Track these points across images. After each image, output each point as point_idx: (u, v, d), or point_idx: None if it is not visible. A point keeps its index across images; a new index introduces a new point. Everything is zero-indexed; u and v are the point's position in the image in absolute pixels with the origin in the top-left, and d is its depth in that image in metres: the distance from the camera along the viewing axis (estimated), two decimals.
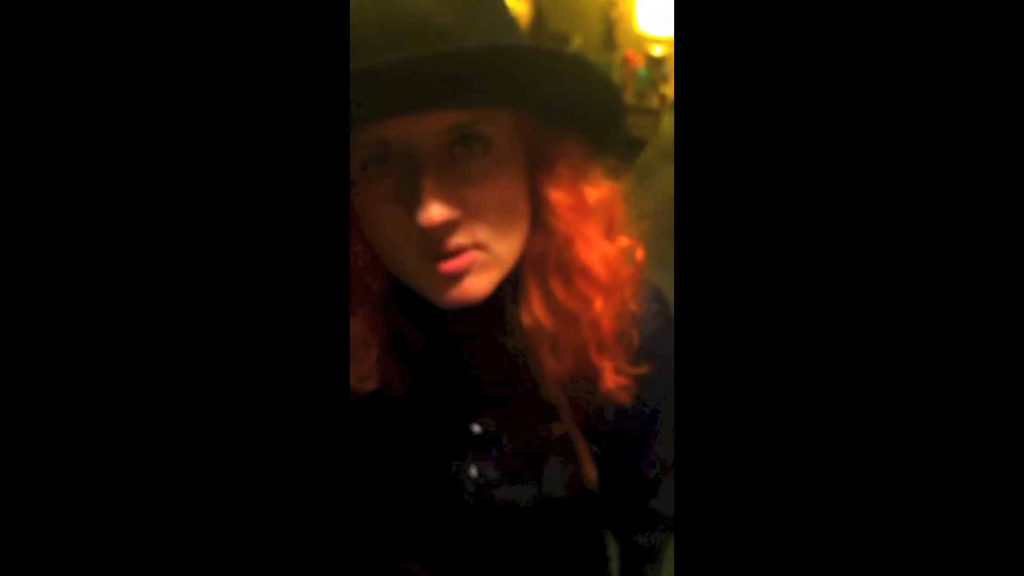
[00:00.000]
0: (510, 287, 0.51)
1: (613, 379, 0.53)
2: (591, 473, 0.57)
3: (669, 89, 2.84)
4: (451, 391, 0.56)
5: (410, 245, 0.46)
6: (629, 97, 2.90)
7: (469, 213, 0.45)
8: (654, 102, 2.83)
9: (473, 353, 0.54)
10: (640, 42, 2.87)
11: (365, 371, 0.53)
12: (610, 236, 0.53)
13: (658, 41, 2.83)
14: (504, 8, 0.47)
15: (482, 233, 0.46)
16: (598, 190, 0.52)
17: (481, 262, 0.47)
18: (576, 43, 3.01)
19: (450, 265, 0.45)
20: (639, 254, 0.55)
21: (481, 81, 0.41)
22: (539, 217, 0.50)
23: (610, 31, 2.93)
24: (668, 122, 1.96)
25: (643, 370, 0.54)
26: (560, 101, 0.46)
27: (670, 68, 2.85)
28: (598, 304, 0.52)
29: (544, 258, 0.51)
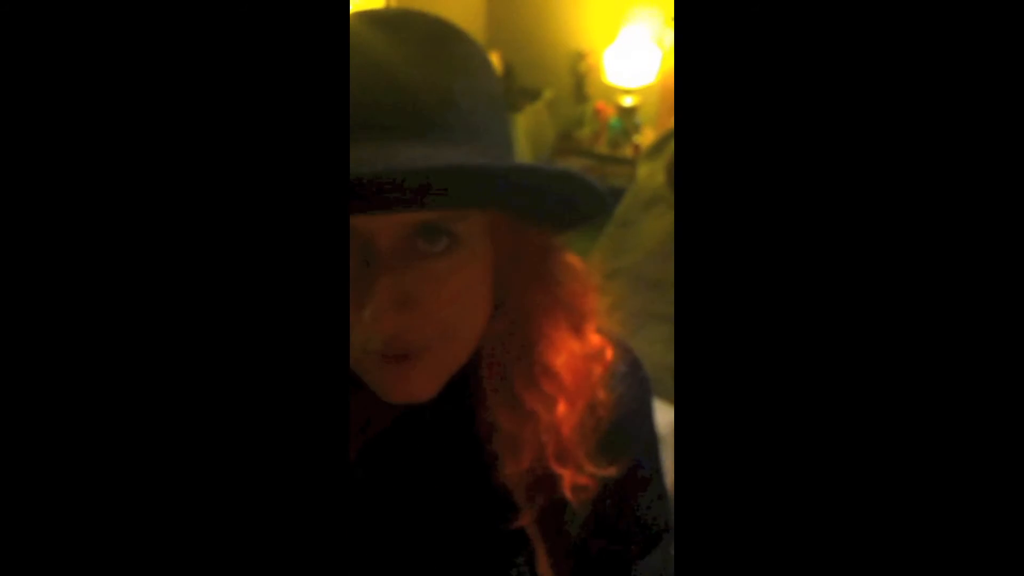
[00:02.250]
0: (466, 380, 0.48)
1: (571, 482, 0.49)
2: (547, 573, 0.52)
3: (642, 138, 2.86)
4: (404, 473, 0.52)
5: (358, 337, 0.42)
6: (603, 147, 2.93)
7: (423, 312, 0.42)
8: (628, 151, 2.86)
9: (426, 440, 0.51)
10: (610, 93, 2.90)
11: None
12: (579, 333, 0.50)
13: (628, 92, 2.87)
14: (490, 80, 0.44)
15: (434, 332, 0.43)
16: (568, 285, 0.49)
17: (428, 359, 0.43)
18: (547, 96, 3.05)
19: (394, 366, 0.42)
20: (608, 353, 0.51)
21: (456, 192, 0.39)
22: (503, 310, 0.47)
23: (580, 83, 2.97)
24: (643, 171, 1.95)
25: (609, 471, 0.50)
26: (540, 209, 0.44)
27: (642, 117, 2.89)
28: (560, 407, 0.48)
29: (504, 355, 0.48)
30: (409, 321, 0.41)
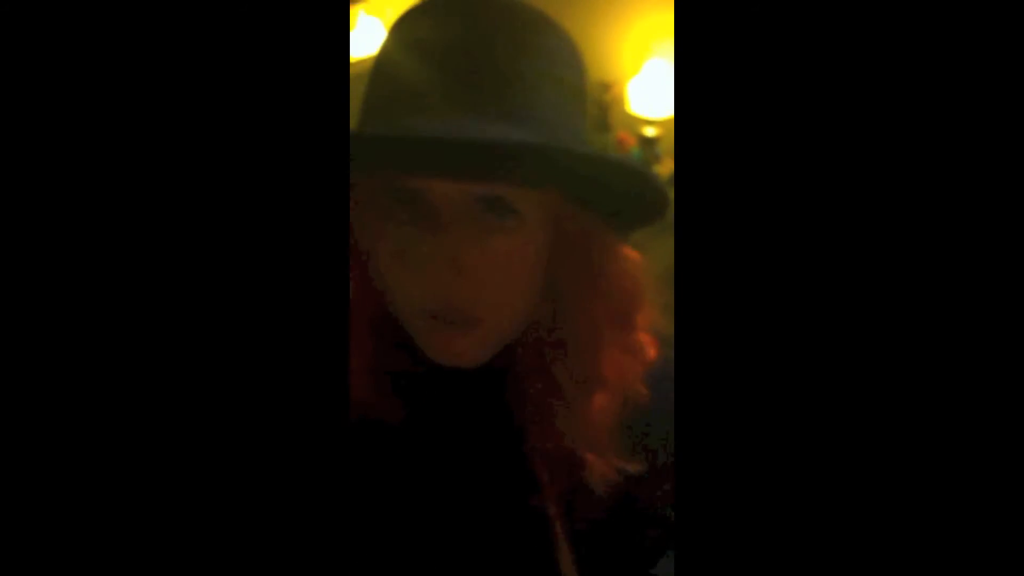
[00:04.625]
0: (510, 355, 0.49)
1: (598, 473, 0.50)
2: (565, 556, 0.53)
3: (662, 168, 2.88)
4: (438, 438, 0.53)
5: (413, 297, 0.44)
6: None
7: (477, 281, 0.43)
8: None
9: (461, 409, 0.52)
10: (633, 123, 2.93)
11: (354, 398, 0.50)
12: (625, 328, 0.51)
13: (651, 123, 2.89)
14: (573, 72, 0.46)
15: (488, 302, 0.44)
16: (620, 280, 0.50)
17: (479, 330, 0.45)
18: None
19: (446, 331, 0.44)
20: (651, 352, 0.52)
21: (523, 169, 0.40)
22: (553, 293, 0.48)
23: (604, 114, 3.00)
24: None
25: (637, 466, 0.51)
26: (603, 199, 0.45)
27: (663, 148, 2.91)
28: (596, 397, 0.49)
29: (549, 336, 0.49)
30: (463, 288, 0.43)
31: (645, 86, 2.76)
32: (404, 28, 0.46)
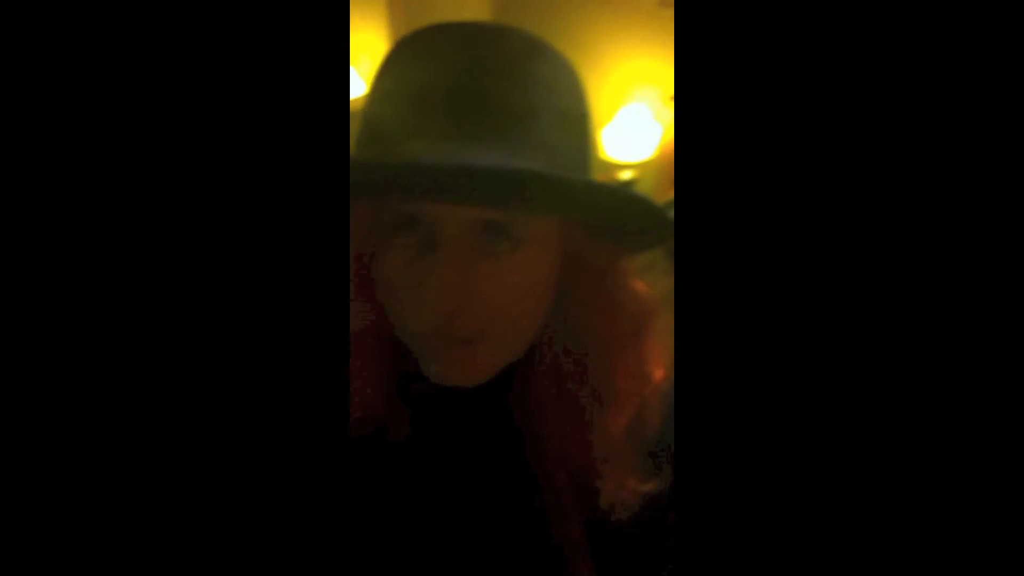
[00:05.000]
0: (520, 369, 0.48)
1: (614, 493, 0.49)
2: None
3: None
4: (443, 456, 0.51)
5: (415, 319, 0.44)
6: None
7: (481, 301, 0.44)
8: None
9: (467, 427, 0.51)
10: (608, 168, 2.95)
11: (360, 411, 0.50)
12: (636, 343, 0.50)
13: (627, 166, 2.92)
14: (573, 100, 0.46)
15: (492, 322, 0.44)
16: (628, 304, 0.50)
17: (483, 347, 0.45)
18: None
19: (450, 350, 0.44)
20: (659, 374, 0.52)
21: (525, 197, 0.40)
22: (561, 311, 0.48)
23: None
24: None
25: (650, 486, 0.49)
26: (606, 225, 0.46)
27: (640, 189, 2.93)
28: (607, 416, 0.49)
29: (559, 355, 0.49)
30: (467, 306, 0.42)
31: (619, 132, 2.79)
32: (401, 55, 0.46)
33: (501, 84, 0.41)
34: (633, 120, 2.76)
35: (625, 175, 2.92)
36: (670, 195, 2.37)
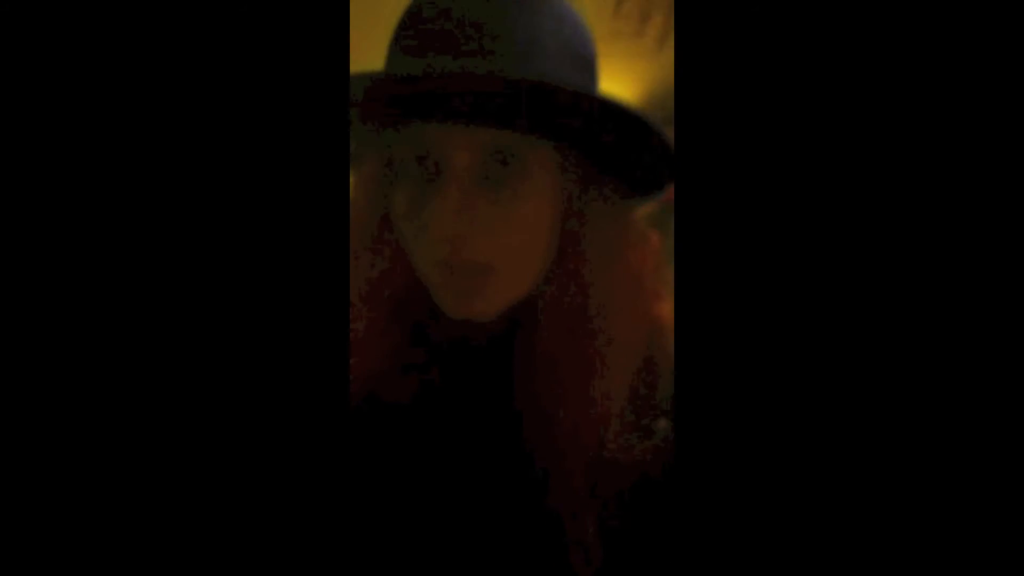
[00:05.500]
0: (525, 315, 0.49)
1: (616, 442, 0.47)
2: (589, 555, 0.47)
3: None
4: (454, 405, 0.52)
5: (427, 250, 0.46)
6: None
7: (489, 230, 0.45)
8: None
9: (473, 385, 0.51)
10: None
11: (363, 371, 0.50)
12: (639, 289, 0.51)
13: None
14: (575, 36, 0.47)
15: (499, 254, 0.45)
16: (632, 242, 0.51)
17: (493, 279, 0.46)
18: None
19: (458, 281, 0.45)
20: (667, 312, 0.52)
21: (534, 110, 0.41)
22: (565, 256, 0.49)
23: None
24: None
25: (652, 442, 0.48)
26: (609, 149, 0.46)
27: None
28: (613, 355, 0.48)
29: (562, 298, 0.49)
30: (474, 236, 0.44)
31: None
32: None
33: (506, 12, 0.43)
34: None
35: None
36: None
